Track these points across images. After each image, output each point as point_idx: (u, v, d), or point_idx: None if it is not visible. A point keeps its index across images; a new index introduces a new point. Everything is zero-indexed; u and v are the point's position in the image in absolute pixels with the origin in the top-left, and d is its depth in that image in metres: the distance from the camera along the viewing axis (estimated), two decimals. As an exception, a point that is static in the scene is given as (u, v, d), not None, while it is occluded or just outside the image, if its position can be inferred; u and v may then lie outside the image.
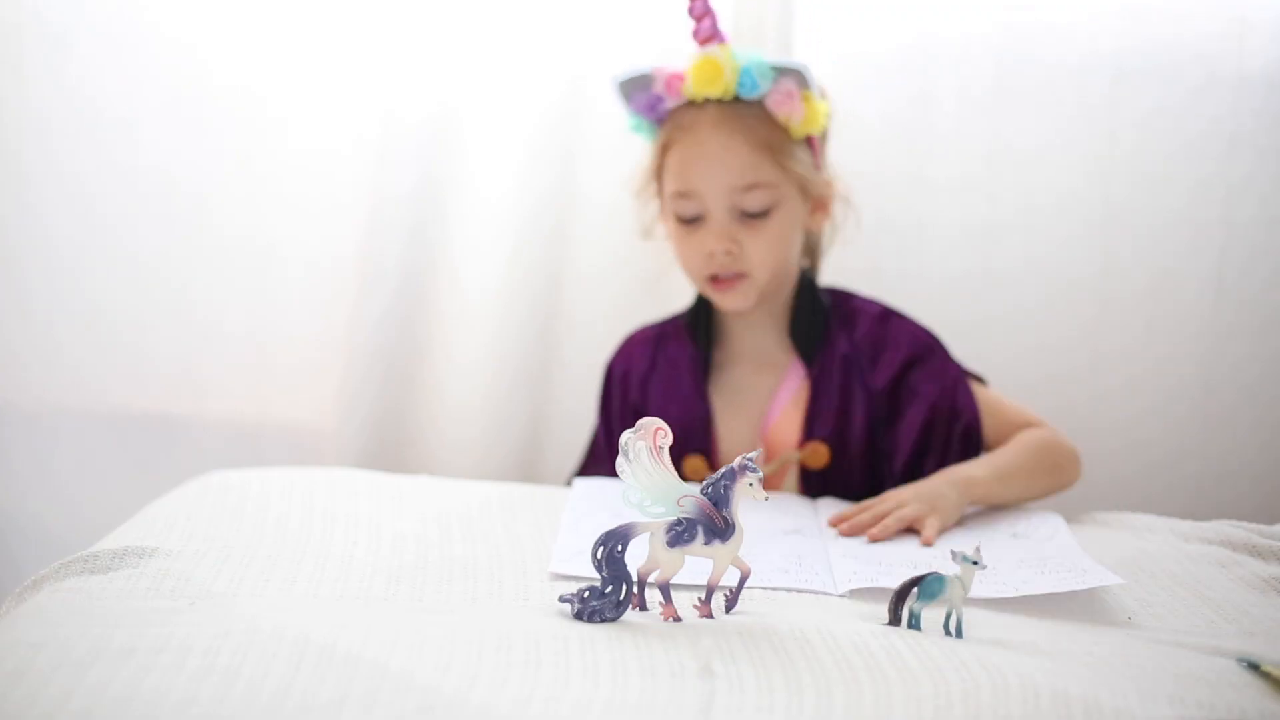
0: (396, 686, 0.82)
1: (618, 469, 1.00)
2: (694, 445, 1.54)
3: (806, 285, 1.57)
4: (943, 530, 1.32)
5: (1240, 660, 0.96)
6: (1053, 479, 1.46)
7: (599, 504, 1.37)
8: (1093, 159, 1.83)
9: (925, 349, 1.53)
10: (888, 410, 1.51)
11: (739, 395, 1.56)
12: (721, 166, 1.46)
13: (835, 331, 1.54)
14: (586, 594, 1.00)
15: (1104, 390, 1.87)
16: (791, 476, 1.53)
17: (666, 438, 1.00)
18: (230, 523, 1.22)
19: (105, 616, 0.93)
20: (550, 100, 1.83)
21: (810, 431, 1.51)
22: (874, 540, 1.27)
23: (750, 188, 1.46)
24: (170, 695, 0.80)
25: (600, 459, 1.62)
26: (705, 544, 1.01)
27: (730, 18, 1.79)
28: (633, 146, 1.84)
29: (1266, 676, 0.92)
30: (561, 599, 1.02)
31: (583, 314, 1.88)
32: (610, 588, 1.00)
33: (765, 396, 1.55)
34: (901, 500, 1.33)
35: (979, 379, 1.57)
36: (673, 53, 1.80)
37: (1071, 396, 1.87)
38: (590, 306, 1.88)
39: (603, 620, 0.99)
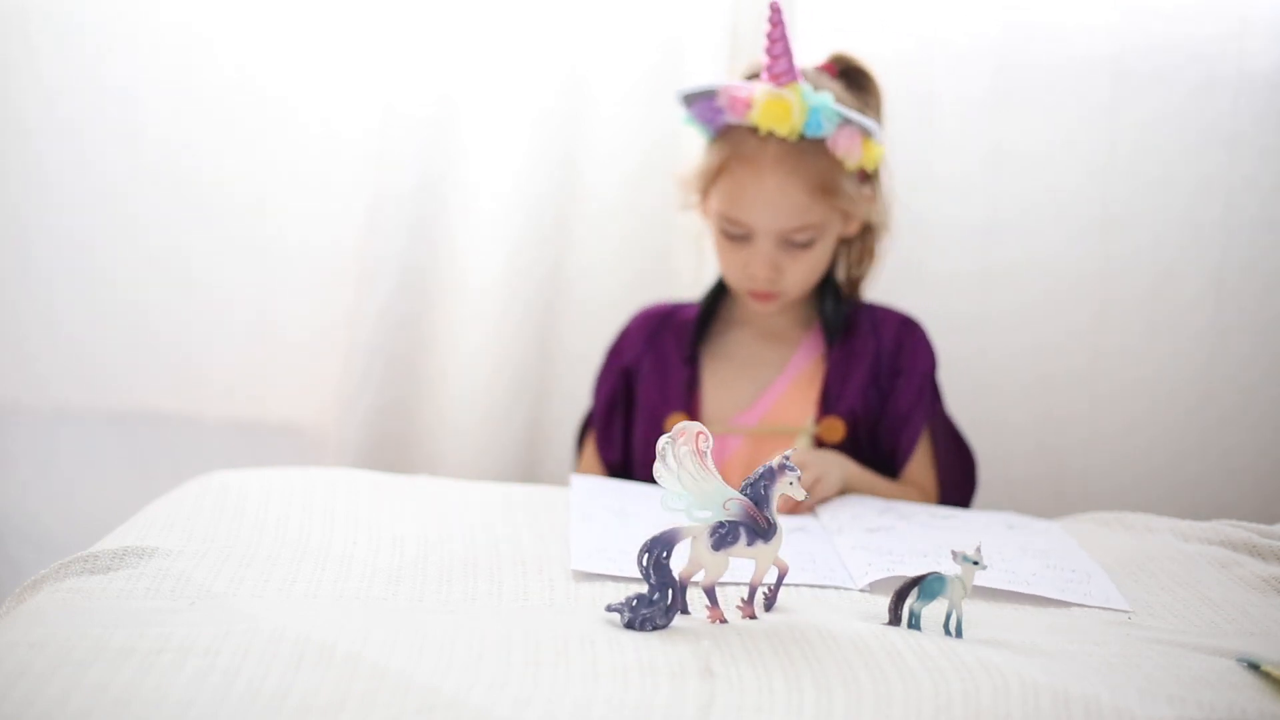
0: (396, 687, 0.82)
1: (654, 474, 0.99)
2: (674, 405, 1.58)
3: (828, 277, 1.61)
4: (821, 501, 1.42)
5: (1240, 660, 0.96)
6: None
7: (602, 503, 1.37)
8: (1093, 159, 1.83)
9: (931, 367, 1.60)
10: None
11: (741, 359, 1.61)
12: (775, 209, 1.49)
13: (862, 324, 1.59)
14: (635, 602, 0.99)
15: (1104, 391, 1.87)
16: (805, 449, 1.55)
17: (708, 441, 1.00)
18: (230, 523, 1.22)
19: (105, 617, 0.93)
20: (551, 93, 1.83)
21: (826, 407, 1.55)
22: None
23: (800, 229, 1.50)
24: (170, 695, 0.80)
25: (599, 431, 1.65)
26: (748, 545, 1.01)
27: (730, 18, 1.80)
28: (634, 141, 1.85)
29: (1266, 676, 0.92)
30: (609, 608, 1.00)
31: (583, 308, 1.88)
32: (658, 595, 0.99)
33: (775, 366, 1.59)
34: (802, 463, 1.39)
35: (950, 421, 1.62)
36: (673, 42, 1.82)
37: (1071, 397, 1.87)
38: (591, 301, 1.88)
39: (654, 628, 0.98)
